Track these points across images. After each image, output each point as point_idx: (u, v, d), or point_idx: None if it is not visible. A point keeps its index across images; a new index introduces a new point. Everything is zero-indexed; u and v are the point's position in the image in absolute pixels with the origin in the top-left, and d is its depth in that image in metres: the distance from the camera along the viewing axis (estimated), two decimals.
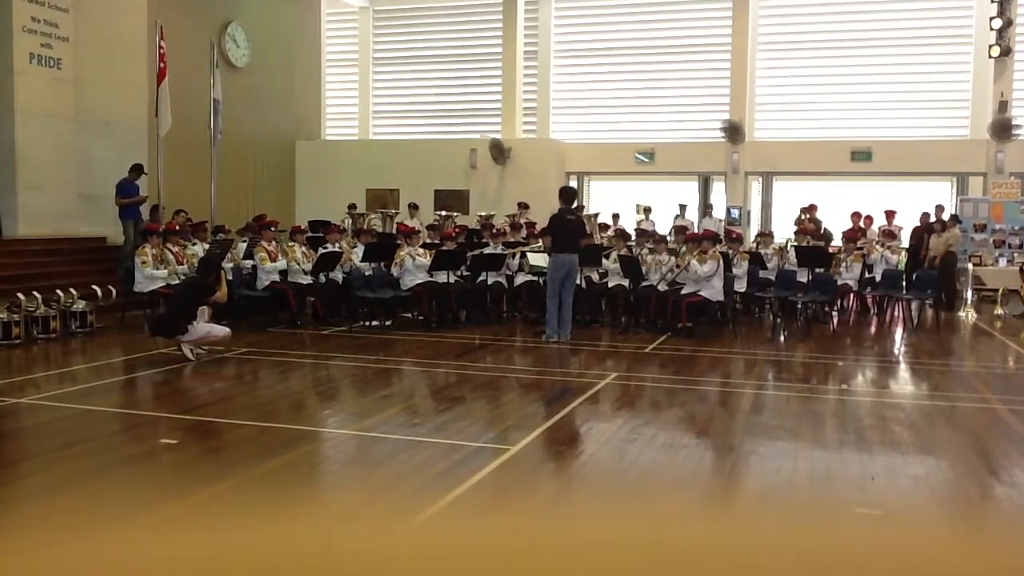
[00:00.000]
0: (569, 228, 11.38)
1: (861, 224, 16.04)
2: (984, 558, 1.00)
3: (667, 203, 19.01)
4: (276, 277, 12.42)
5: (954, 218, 16.25)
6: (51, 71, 15.20)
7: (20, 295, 10.73)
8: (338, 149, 22.20)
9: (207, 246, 13.05)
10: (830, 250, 14.05)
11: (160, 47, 14.11)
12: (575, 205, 12.27)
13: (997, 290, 15.20)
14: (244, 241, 13.64)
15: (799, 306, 13.06)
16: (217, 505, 4.87)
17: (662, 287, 12.21)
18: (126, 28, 15.76)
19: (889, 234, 15.19)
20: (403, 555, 1.00)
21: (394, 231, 15.47)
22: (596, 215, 16.75)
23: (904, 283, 14.50)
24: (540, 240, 13.32)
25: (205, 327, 9.69)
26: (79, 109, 15.70)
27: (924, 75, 19.60)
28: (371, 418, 7.24)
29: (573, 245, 11.37)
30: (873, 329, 13.47)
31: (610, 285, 12.91)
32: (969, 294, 15.12)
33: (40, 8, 14.85)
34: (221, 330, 9.84)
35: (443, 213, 17.66)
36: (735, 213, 19.80)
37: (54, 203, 15.29)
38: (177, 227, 13.21)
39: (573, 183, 20.78)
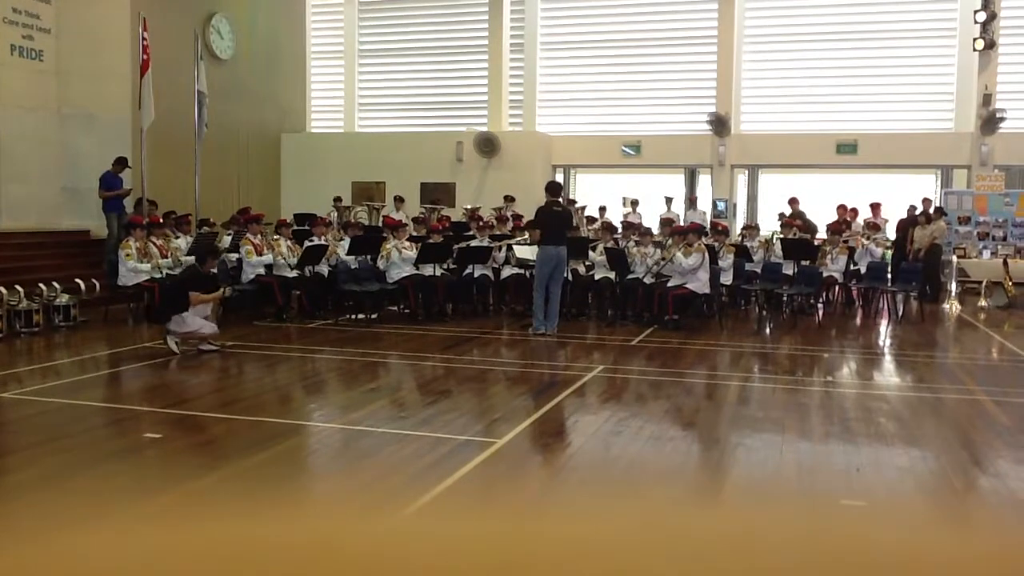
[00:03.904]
0: (556, 220, 11.38)
1: (847, 217, 16.12)
2: (969, 548, 0.99)
3: (654, 196, 19.04)
4: (262, 271, 12.37)
5: (939, 211, 16.34)
6: (33, 63, 15.08)
7: (2, 289, 10.63)
8: (324, 142, 22.12)
9: (191, 239, 13.01)
10: (815, 243, 14.11)
11: (143, 39, 13.98)
12: (562, 198, 12.27)
13: (981, 282, 15.30)
14: (229, 234, 13.59)
15: (785, 298, 13.11)
16: (205, 498, 4.85)
17: (648, 280, 12.24)
18: (109, 19, 15.63)
19: (874, 226, 15.26)
20: (391, 548, 0.99)
21: (380, 224, 15.44)
22: (583, 208, 16.76)
23: (889, 275, 14.58)
24: (527, 232, 13.31)
25: (197, 321, 9.55)
26: (62, 101, 15.58)
27: (909, 68, 19.68)
28: (358, 411, 7.22)
29: (561, 237, 11.36)
30: (858, 321, 13.53)
31: (597, 278, 12.93)
32: (953, 286, 15.22)
33: None
34: (209, 327, 9.69)
35: (429, 206, 17.63)
36: (721, 206, 19.85)
37: (37, 196, 15.19)
38: (160, 220, 13.13)
39: (560, 176, 20.80)
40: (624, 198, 19.08)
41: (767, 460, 5.94)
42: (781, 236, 14.48)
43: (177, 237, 12.99)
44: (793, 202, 17.07)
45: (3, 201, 14.62)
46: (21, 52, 14.77)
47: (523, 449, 6.24)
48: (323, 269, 12.87)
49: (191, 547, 0.93)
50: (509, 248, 13.48)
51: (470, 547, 0.94)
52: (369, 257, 12.99)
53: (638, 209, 18.39)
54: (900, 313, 13.70)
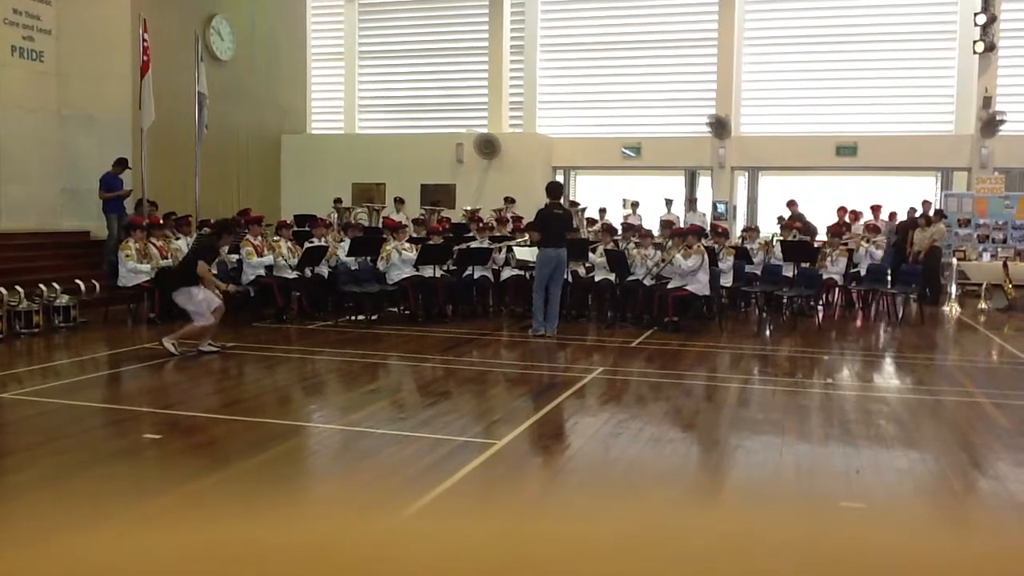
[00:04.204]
0: (556, 223, 11.38)
1: (846, 219, 16.13)
2: (968, 550, 0.99)
3: (654, 197, 19.06)
4: (262, 272, 12.38)
5: (939, 213, 16.35)
6: (33, 64, 15.09)
7: (2, 289, 10.63)
8: (324, 143, 22.12)
9: (191, 240, 13.00)
10: (815, 245, 14.11)
11: (143, 40, 13.97)
12: (562, 200, 12.27)
13: (981, 284, 15.29)
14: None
15: (784, 300, 13.11)
16: (204, 499, 4.84)
17: (648, 282, 12.24)
18: (109, 21, 15.64)
19: (874, 229, 15.27)
20: (390, 549, 0.99)
21: (380, 225, 15.44)
22: (584, 209, 16.77)
23: (889, 277, 14.59)
24: (527, 234, 13.32)
25: (202, 305, 9.42)
26: (62, 102, 15.58)
27: (909, 70, 19.69)
28: (357, 413, 7.22)
29: (560, 239, 11.37)
30: (858, 323, 13.53)
31: (596, 279, 12.93)
32: (953, 289, 15.22)
33: (22, 0, 14.73)
34: (208, 319, 9.58)
35: (429, 207, 17.63)
36: (721, 208, 19.86)
37: (37, 197, 15.19)
38: (161, 221, 13.12)
39: (560, 177, 20.81)
40: (624, 200, 19.08)
41: (766, 462, 5.94)
42: (781, 238, 14.48)
43: (177, 238, 12.99)
44: (791, 204, 17.08)
45: (3, 202, 14.62)
46: (21, 53, 14.78)
47: (523, 451, 6.24)
48: (323, 270, 12.87)
49: (191, 548, 0.93)
50: (509, 250, 13.48)
51: (470, 548, 0.94)
52: (369, 258, 12.99)
53: (638, 211, 18.39)
54: (900, 315, 13.69)
